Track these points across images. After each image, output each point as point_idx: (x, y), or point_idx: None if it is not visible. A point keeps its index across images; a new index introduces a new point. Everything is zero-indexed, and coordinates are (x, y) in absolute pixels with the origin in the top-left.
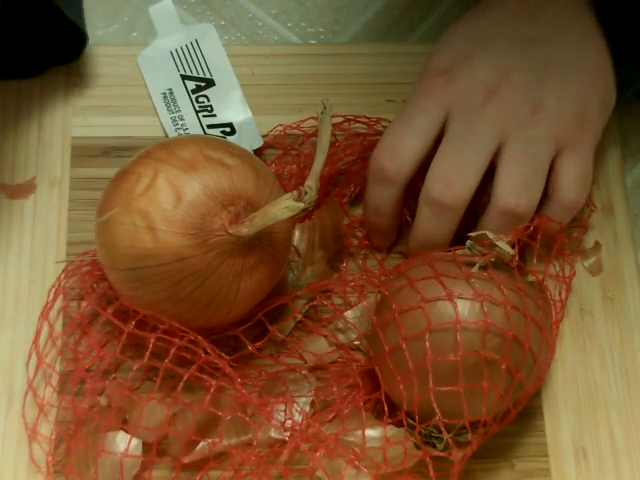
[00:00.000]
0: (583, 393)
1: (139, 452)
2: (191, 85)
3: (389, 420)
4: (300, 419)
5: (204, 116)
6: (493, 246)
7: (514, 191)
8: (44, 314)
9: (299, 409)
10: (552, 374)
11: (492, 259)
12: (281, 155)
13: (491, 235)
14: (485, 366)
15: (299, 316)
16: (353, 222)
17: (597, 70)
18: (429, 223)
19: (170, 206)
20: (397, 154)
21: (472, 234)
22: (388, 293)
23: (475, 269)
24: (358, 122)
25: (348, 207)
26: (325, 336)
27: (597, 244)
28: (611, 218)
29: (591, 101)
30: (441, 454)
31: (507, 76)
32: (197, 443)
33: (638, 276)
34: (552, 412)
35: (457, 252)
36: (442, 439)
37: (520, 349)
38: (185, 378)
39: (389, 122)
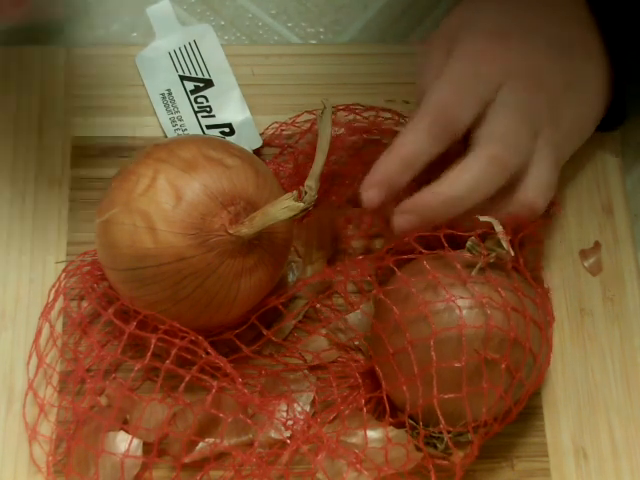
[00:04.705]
0: (583, 393)
1: (139, 452)
2: (190, 86)
3: (390, 420)
4: (301, 419)
5: (203, 117)
6: (497, 244)
7: (505, 142)
8: (44, 314)
9: (300, 409)
10: (552, 374)
11: (492, 260)
12: (278, 154)
13: (497, 227)
14: (486, 368)
15: (294, 321)
16: (351, 221)
17: (598, 91)
18: (484, 179)
19: (170, 206)
20: (459, 101)
21: (481, 218)
22: (387, 296)
23: (475, 272)
24: (356, 113)
25: (345, 205)
26: (325, 336)
27: (597, 244)
28: (611, 218)
29: (585, 120)
30: (441, 456)
31: (549, 59)
32: (197, 443)
33: (638, 276)
34: (552, 412)
35: (458, 252)
36: (443, 439)
37: (520, 349)
38: (187, 379)
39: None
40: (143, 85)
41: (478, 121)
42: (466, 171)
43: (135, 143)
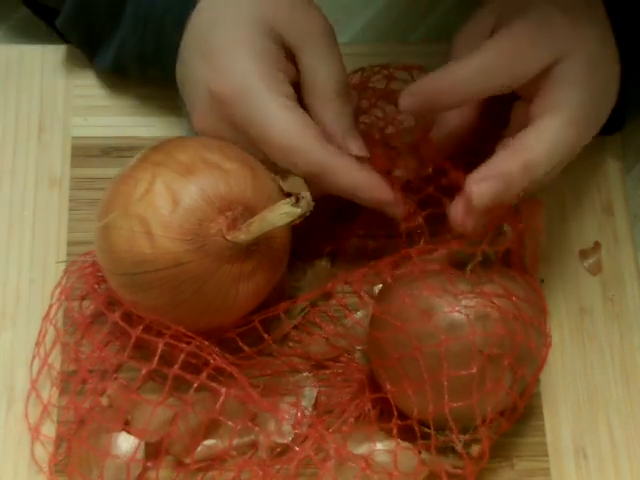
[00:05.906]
0: (583, 393)
1: (141, 452)
2: None
3: (398, 422)
4: (305, 421)
5: None
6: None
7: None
8: (47, 314)
9: (303, 411)
10: (552, 374)
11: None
12: None
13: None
14: (491, 367)
15: (289, 329)
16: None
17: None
18: (564, 142)
19: (167, 211)
20: (532, 50)
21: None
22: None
23: (468, 273)
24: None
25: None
26: (326, 339)
27: (597, 244)
28: (611, 218)
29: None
30: (453, 463)
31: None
32: (199, 443)
33: (638, 276)
34: (552, 412)
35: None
36: (460, 440)
37: (524, 350)
38: (195, 386)
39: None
40: (144, 84)
41: (541, 83)
42: (548, 134)
43: (135, 143)
